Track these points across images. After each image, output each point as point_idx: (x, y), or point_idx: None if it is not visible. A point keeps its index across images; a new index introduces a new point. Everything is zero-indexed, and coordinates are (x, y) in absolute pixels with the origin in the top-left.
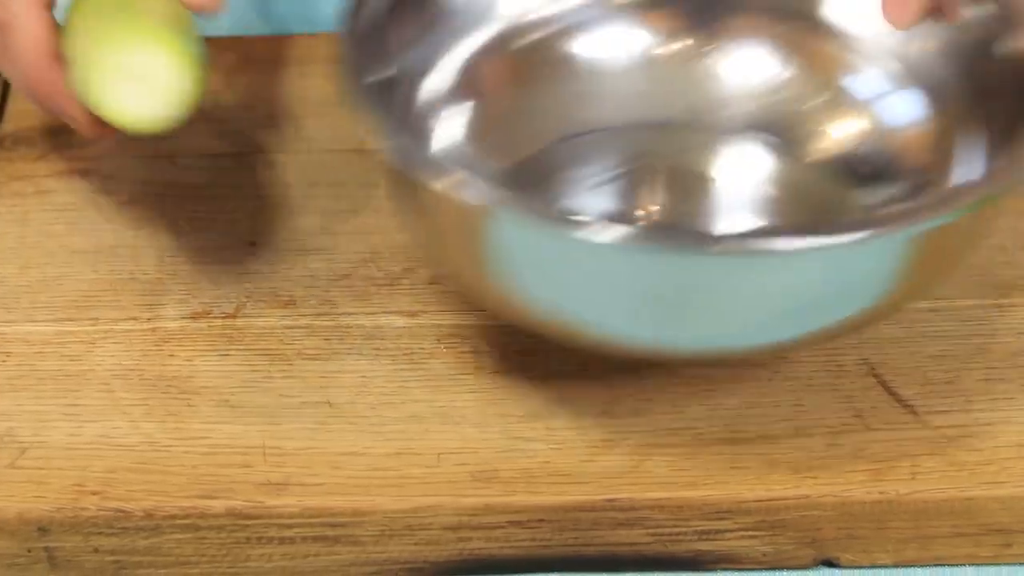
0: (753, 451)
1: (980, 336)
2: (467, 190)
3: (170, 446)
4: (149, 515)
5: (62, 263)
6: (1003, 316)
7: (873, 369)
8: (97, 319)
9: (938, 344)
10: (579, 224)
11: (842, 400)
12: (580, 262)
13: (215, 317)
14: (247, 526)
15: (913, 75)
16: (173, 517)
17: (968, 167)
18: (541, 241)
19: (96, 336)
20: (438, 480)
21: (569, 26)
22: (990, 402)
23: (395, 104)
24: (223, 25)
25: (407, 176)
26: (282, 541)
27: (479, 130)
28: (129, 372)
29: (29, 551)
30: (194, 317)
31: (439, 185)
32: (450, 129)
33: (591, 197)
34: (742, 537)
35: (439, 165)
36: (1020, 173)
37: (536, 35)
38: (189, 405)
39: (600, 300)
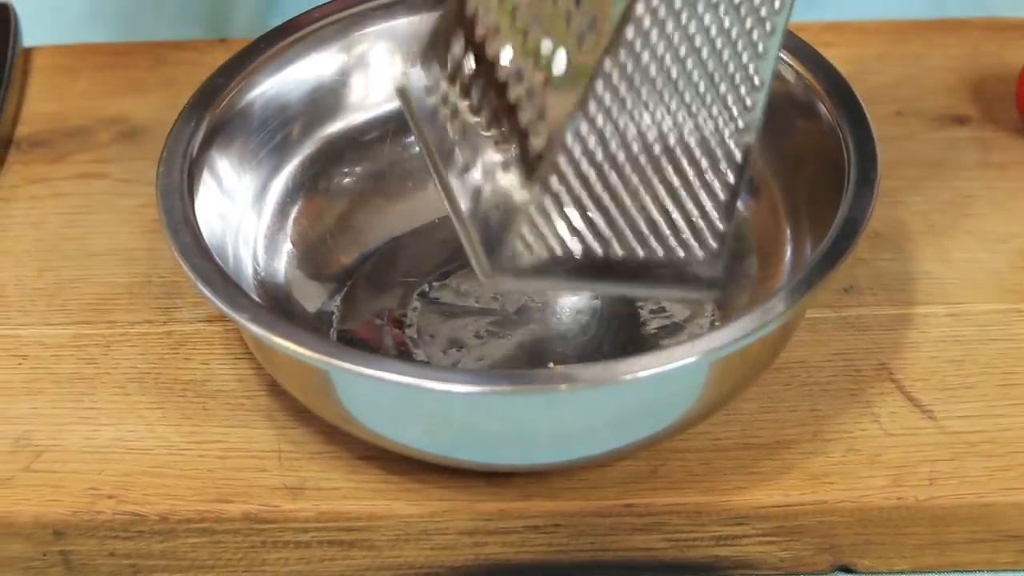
0: (770, 456)
1: (999, 341)
2: (297, 347)
3: (186, 450)
4: (164, 519)
5: (78, 266)
6: (1022, 321)
7: (891, 374)
8: (113, 322)
9: (956, 349)
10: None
11: (860, 405)
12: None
13: (231, 320)
14: (263, 530)
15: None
16: (188, 521)
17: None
18: (374, 390)
19: (112, 339)
20: (454, 485)
21: (390, 130)
22: (1009, 407)
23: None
24: None
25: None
26: (298, 545)
27: (319, 239)
28: (145, 375)
29: (44, 555)
30: (210, 320)
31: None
32: (288, 242)
33: (439, 290)
34: (759, 543)
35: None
36: (810, 287)
37: (364, 139)
38: (204, 409)
39: (428, 433)
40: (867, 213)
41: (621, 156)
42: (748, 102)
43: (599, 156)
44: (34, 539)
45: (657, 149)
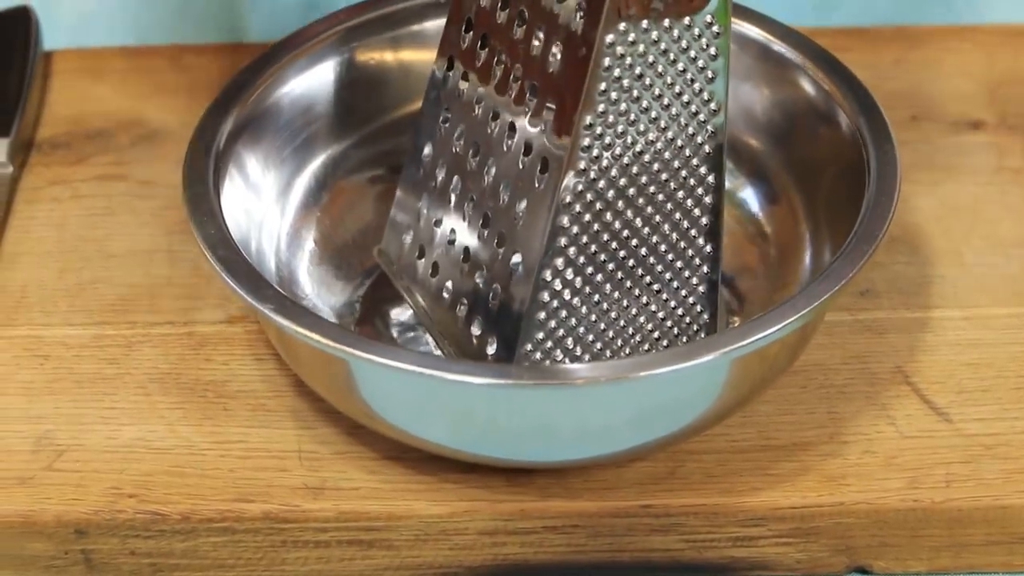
0: (787, 458)
1: (1014, 344)
2: (316, 337)
3: (207, 450)
4: (185, 518)
5: (99, 267)
6: None
7: (907, 377)
8: (134, 323)
9: (972, 353)
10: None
11: (876, 408)
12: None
13: (251, 321)
14: (283, 530)
15: (747, 168)
16: (209, 520)
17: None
18: (393, 380)
19: (133, 340)
20: (473, 485)
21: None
22: None
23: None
24: None
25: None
26: (317, 545)
27: (341, 237)
28: (166, 376)
29: (66, 553)
30: (230, 321)
31: (294, 331)
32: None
33: None
34: (776, 544)
35: (293, 310)
36: (836, 285)
37: (388, 140)
38: (225, 409)
39: (443, 424)
40: (888, 217)
41: (599, 277)
42: (710, 128)
43: (579, 283)
44: (56, 538)
45: (632, 261)
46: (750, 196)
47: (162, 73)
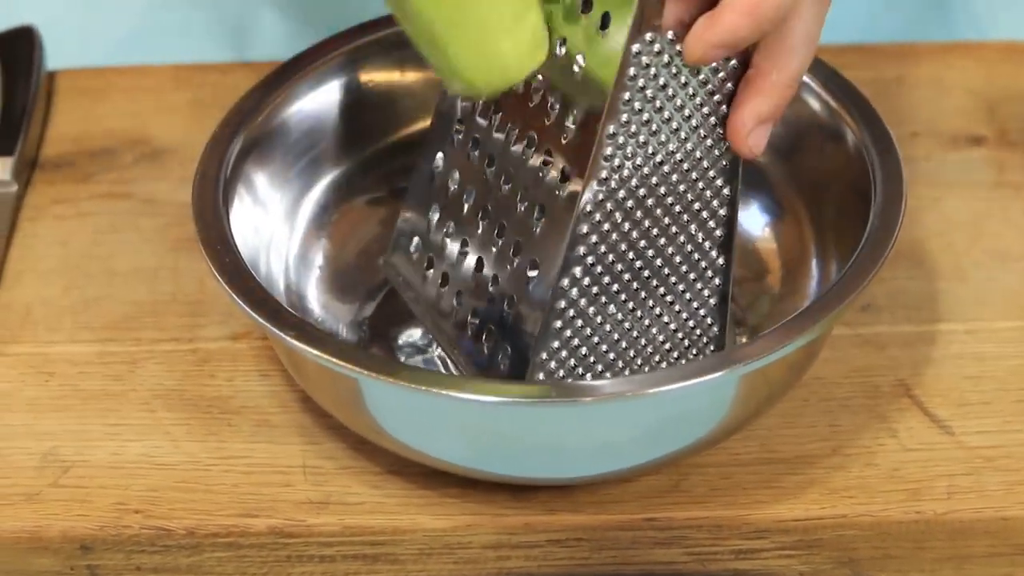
0: (790, 471)
1: (1016, 358)
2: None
3: (212, 465)
4: (191, 533)
5: (104, 284)
6: None
7: (909, 390)
8: (139, 339)
9: (974, 366)
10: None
11: (878, 421)
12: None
13: (255, 338)
14: (288, 544)
15: (754, 183)
16: (215, 535)
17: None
18: (402, 398)
19: (138, 356)
20: (478, 499)
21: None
22: None
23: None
24: None
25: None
26: (322, 559)
27: (349, 257)
28: (171, 392)
29: (72, 569)
30: (235, 338)
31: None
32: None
33: None
34: (779, 556)
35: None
36: (847, 298)
37: (394, 160)
38: (230, 425)
39: (454, 442)
40: (894, 231)
41: (615, 287)
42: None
43: (595, 292)
44: (62, 553)
45: (647, 272)
46: (757, 211)
47: (165, 92)
